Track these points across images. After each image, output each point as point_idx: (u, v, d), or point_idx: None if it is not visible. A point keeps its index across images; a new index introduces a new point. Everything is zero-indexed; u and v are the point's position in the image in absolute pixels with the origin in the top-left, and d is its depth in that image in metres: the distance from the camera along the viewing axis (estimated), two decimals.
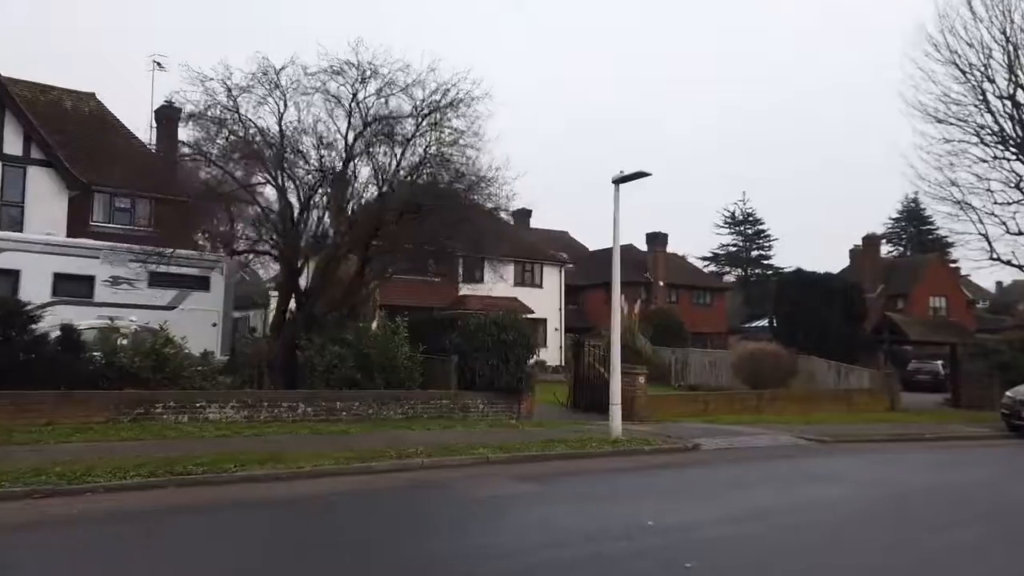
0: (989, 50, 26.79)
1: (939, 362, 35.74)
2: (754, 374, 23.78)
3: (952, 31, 27.35)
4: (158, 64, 27.32)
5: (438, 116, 15.21)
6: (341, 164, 15.38)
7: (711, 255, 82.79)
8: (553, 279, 38.84)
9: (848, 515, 7.89)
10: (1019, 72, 26.86)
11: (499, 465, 10.01)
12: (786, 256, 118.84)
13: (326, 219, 16.42)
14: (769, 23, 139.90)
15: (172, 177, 16.83)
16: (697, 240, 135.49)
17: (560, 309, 38.96)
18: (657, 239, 47.82)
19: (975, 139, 27.29)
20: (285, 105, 14.71)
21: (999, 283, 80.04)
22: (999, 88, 27.13)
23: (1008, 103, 27.25)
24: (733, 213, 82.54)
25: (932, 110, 27.82)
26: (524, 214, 44.24)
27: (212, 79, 14.24)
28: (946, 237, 45.19)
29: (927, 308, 49.04)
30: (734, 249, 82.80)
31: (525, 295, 36.91)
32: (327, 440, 10.90)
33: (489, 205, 16.88)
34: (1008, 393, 18.75)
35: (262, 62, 14.52)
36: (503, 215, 19.45)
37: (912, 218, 77.80)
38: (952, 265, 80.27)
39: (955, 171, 28.99)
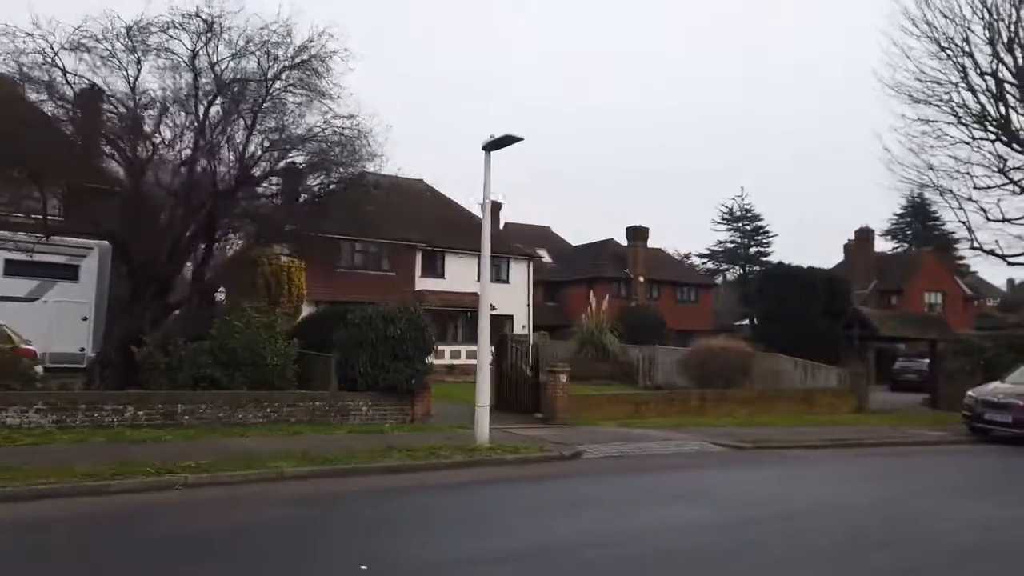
0: (967, 22, 24.84)
1: (927, 360, 33.76)
2: (703, 373, 22.02)
3: (929, 2, 25.40)
4: None
5: (293, 74, 13.64)
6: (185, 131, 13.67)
7: (709, 252, 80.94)
8: (521, 274, 37.19)
9: (670, 549, 6.24)
10: (1000, 47, 24.90)
11: (294, 481, 8.43)
12: (786, 252, 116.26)
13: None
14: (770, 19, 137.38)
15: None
16: (698, 237, 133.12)
17: (528, 305, 37.30)
18: (637, 233, 46.03)
19: (954, 119, 25.35)
20: (131, 67, 13.03)
21: (1011, 280, 77.46)
22: (980, 65, 25.18)
23: (990, 80, 25.27)
24: (731, 209, 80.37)
25: (907, 88, 25.89)
26: (493, 207, 42.64)
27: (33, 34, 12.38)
28: (952, 232, 42.98)
29: (922, 304, 46.97)
30: (732, 245, 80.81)
31: (492, 290, 35.18)
32: (115, 450, 9.37)
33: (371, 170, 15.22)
34: (970, 392, 16.92)
35: (108, 12, 12.81)
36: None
37: (917, 213, 75.36)
38: (960, 262, 77.61)
39: (934, 154, 27.10)
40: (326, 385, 14.27)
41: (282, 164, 15.15)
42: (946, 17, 25.23)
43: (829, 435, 15.21)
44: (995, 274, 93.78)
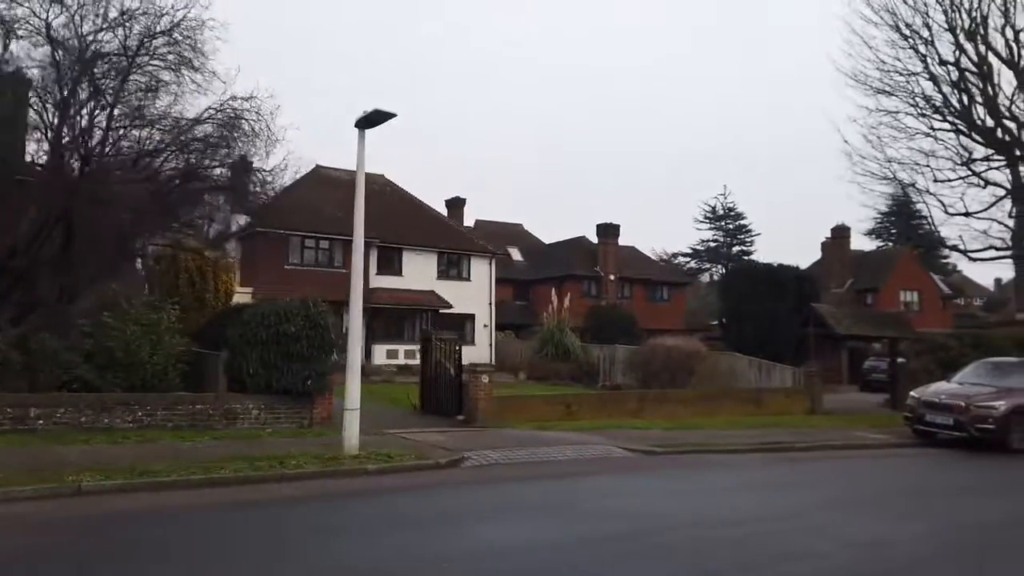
0: (928, 8, 23.97)
1: (899, 360, 32.91)
2: (647, 373, 21.08)
3: None
4: None
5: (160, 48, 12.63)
6: None
7: (692, 251, 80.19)
8: (482, 271, 36.20)
9: None
10: (962, 35, 24.03)
11: (91, 497, 7.46)
12: (769, 251, 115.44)
13: None
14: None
15: None
16: (682, 236, 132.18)
17: (490, 304, 36.33)
18: (608, 230, 45.10)
19: (915, 110, 24.47)
20: None
21: (998, 280, 76.88)
22: (941, 54, 24.30)
23: (952, 69, 24.40)
24: (714, 208, 79.91)
25: (867, 78, 24.98)
26: (457, 203, 41.74)
27: None
28: (937, 231, 41.82)
29: (898, 303, 46.15)
30: (715, 244, 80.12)
31: (450, 288, 34.32)
32: None
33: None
34: (913, 393, 16.03)
35: None
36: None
37: (902, 212, 74.70)
38: (944, 261, 76.74)
39: (894, 146, 26.26)
40: (215, 387, 13.29)
41: (159, 147, 14.07)
42: (907, 4, 24.41)
43: (761, 438, 14.28)
44: (984, 274, 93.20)
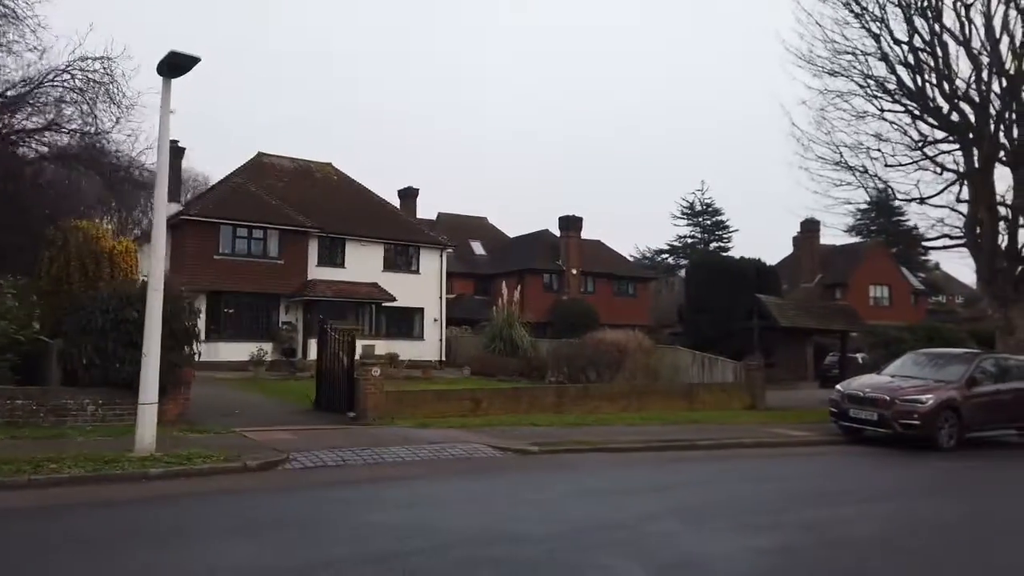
0: None
1: (860, 355, 31.82)
2: (573, 367, 19.79)
3: None
4: None
5: None
6: None
7: (668, 247, 79.04)
8: (432, 264, 34.85)
9: None
10: (915, 13, 22.78)
11: None
12: (746, 247, 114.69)
13: None
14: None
15: None
16: (660, 232, 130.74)
17: (441, 297, 34.99)
18: (570, 223, 43.85)
19: (866, 92, 23.19)
20: None
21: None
22: (893, 32, 23.00)
23: (905, 49, 23.12)
24: (692, 203, 78.72)
25: (818, 59, 23.67)
26: (410, 193, 40.39)
27: None
28: (914, 228, 40.59)
29: (867, 297, 45.15)
30: (692, 240, 79.01)
31: (396, 281, 32.95)
32: None
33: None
34: (837, 386, 14.80)
35: None
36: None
37: (882, 209, 73.76)
38: (922, 257, 75.72)
39: (849, 131, 25.04)
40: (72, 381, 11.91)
41: None
42: None
43: (666, 435, 13.00)
44: (966, 270, 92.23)
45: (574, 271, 43.45)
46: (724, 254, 55.46)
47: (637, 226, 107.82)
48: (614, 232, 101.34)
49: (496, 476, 9.07)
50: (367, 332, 31.57)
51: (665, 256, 78.47)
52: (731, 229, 77.98)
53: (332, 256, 32.25)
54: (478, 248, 47.82)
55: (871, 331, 23.85)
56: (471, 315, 40.31)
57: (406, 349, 32.61)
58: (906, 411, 13.04)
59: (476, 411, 16.02)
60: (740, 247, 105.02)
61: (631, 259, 76.99)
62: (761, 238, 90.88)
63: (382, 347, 30.95)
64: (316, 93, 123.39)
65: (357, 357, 14.88)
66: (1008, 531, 7.32)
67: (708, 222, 78.96)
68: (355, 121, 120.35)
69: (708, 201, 78.86)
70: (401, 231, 34.63)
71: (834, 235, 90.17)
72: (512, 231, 51.14)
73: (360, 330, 16.39)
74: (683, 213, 79.26)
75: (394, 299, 31.83)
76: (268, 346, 28.26)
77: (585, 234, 45.01)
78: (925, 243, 23.22)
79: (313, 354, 29.83)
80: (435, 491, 7.94)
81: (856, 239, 67.94)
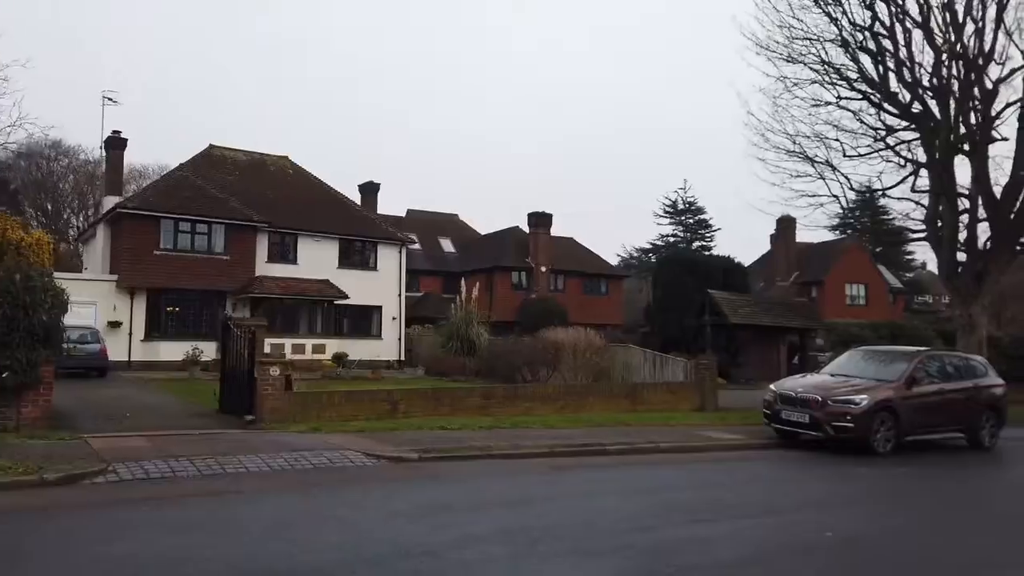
0: None
1: (828, 354, 30.93)
2: (510, 367, 18.73)
3: None
4: None
5: None
6: None
7: (651, 245, 78.14)
8: (391, 261, 33.76)
9: None
10: None
11: None
12: (730, 246, 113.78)
13: None
14: None
15: None
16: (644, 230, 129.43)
17: (400, 295, 33.89)
18: (539, 220, 42.80)
19: (825, 79, 22.20)
20: None
21: None
22: (854, 18, 22.01)
23: (867, 36, 22.13)
24: (675, 202, 77.86)
25: (775, 46, 22.65)
26: (370, 188, 39.28)
27: None
28: (901, 226, 39.45)
29: (843, 296, 44.28)
30: (674, 239, 78.13)
31: (352, 278, 31.86)
32: None
33: None
34: (771, 386, 13.79)
35: None
36: None
37: (866, 207, 72.97)
38: (907, 257, 74.80)
39: (809, 120, 24.16)
40: None
41: None
42: None
43: (577, 439, 11.97)
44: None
45: (543, 269, 42.42)
46: (695, 252, 54.56)
47: (626, 225, 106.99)
48: (602, 231, 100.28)
49: (339, 489, 8.02)
50: (318, 331, 30.56)
51: (649, 255, 77.58)
52: (714, 228, 77.09)
53: (283, 252, 31.14)
54: (447, 245, 46.78)
55: (832, 328, 22.85)
56: (439, 314, 39.15)
57: (362, 349, 31.54)
58: (838, 412, 12.03)
59: (394, 414, 14.97)
60: (723, 246, 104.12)
61: (618, 258, 76.12)
62: (745, 237, 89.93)
63: (334, 346, 29.98)
64: (290, 88, 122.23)
65: (294, 357, 13.83)
66: (928, 556, 6.28)
67: (691, 221, 78.09)
68: (327, 117, 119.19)
69: (691, 200, 77.96)
70: (359, 227, 33.52)
71: (822, 234, 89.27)
72: (487, 229, 50.13)
73: (261, 325, 15.13)
74: (666, 212, 78.38)
75: (346, 296, 30.73)
76: (209, 345, 27.10)
77: (570, 232, 44.18)
78: (886, 238, 22.18)
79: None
80: (242, 511, 6.88)
81: (834, 237, 67.24)
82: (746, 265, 54.26)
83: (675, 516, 7.15)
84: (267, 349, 28.70)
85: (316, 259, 31.43)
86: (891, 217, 58.75)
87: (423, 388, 18.01)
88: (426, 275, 43.81)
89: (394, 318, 33.78)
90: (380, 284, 33.24)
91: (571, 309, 40.56)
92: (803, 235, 49.07)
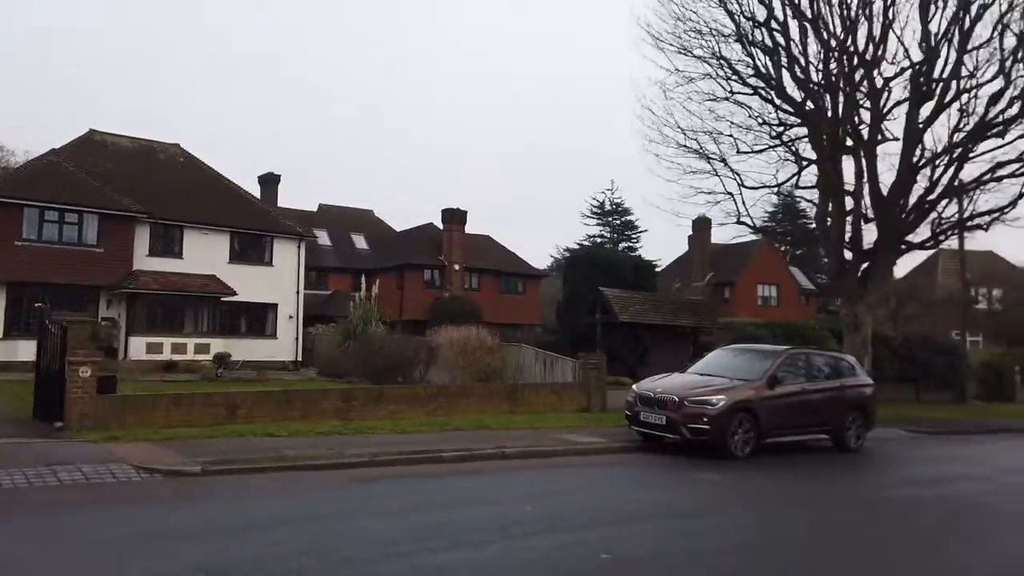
0: None
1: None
2: (373, 367, 17.57)
3: None
4: None
5: None
6: None
7: (578, 246, 77.98)
8: (288, 256, 32.08)
9: None
10: None
11: None
12: (655, 248, 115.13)
13: None
14: None
15: None
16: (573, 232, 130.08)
17: (298, 292, 32.23)
18: (453, 216, 41.73)
19: (721, 73, 21.77)
20: None
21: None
22: (755, 15, 21.62)
23: (764, 32, 21.79)
24: (602, 203, 77.94)
25: (673, 41, 22.11)
26: (270, 180, 37.50)
27: None
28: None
29: (755, 296, 44.62)
30: (601, 240, 78.19)
31: (245, 274, 30.08)
32: None
33: None
34: (634, 387, 13.01)
35: None
36: None
37: (787, 211, 74.36)
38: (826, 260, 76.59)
39: (706, 117, 23.70)
40: None
41: None
42: None
43: (418, 446, 10.90)
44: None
45: (456, 267, 41.33)
46: (610, 250, 54.44)
47: (560, 225, 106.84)
48: (536, 231, 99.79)
49: (61, 512, 6.73)
50: (204, 330, 28.72)
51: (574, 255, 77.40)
52: (640, 229, 77.53)
53: (167, 245, 29.16)
54: (360, 242, 45.22)
55: (727, 327, 22.46)
56: (346, 312, 37.72)
57: (255, 349, 29.85)
58: (695, 414, 11.31)
59: (232, 419, 13.59)
60: (649, 247, 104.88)
61: (551, 259, 75.50)
62: (672, 238, 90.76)
63: (219, 346, 28.15)
64: (207, 76, 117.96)
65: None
66: None
67: (617, 222, 78.30)
68: (242, 107, 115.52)
69: (618, 201, 78.09)
70: (254, 220, 31.73)
71: (747, 235, 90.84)
72: (408, 227, 48.68)
73: (83, 322, 13.64)
74: (593, 212, 78.40)
75: (235, 293, 28.97)
76: None
77: (503, 232, 43.18)
78: (791, 238, 21.88)
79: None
80: None
81: (755, 238, 68.27)
82: (665, 265, 54.75)
83: (442, 539, 6.13)
84: (144, 349, 27.11)
85: (204, 253, 29.54)
86: (810, 219, 59.95)
87: (292, 390, 16.66)
88: (336, 272, 42.22)
89: (291, 316, 32.12)
90: (276, 281, 31.55)
91: (486, 308, 39.63)
92: (727, 236, 49.49)
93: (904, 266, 48.30)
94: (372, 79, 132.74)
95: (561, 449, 11.77)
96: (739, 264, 44.87)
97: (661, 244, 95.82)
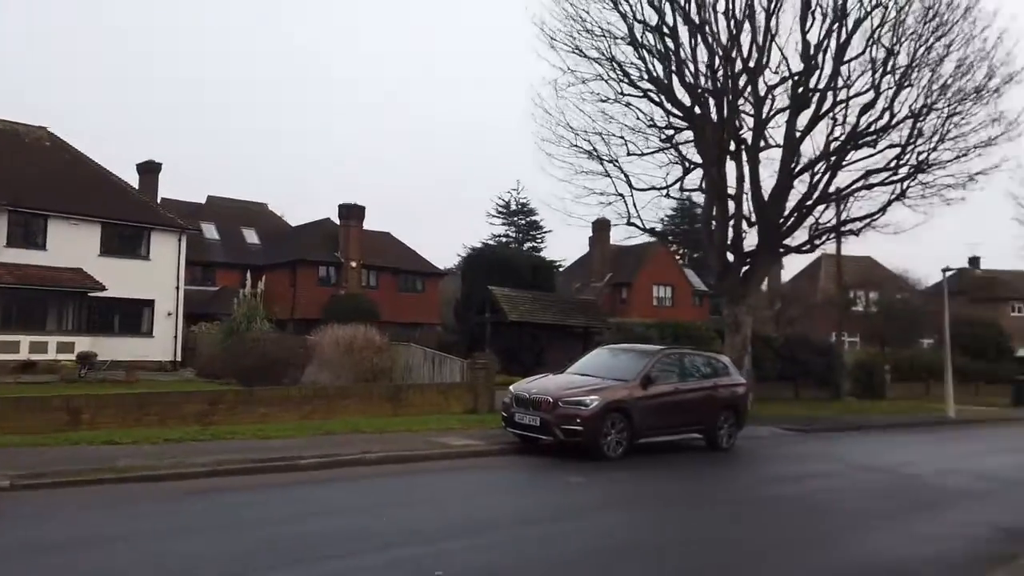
0: None
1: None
2: (242, 368, 16.61)
3: None
4: None
5: None
6: None
7: (482, 244, 77.71)
8: (167, 250, 30.13)
9: None
10: None
11: None
12: (561, 249, 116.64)
13: None
14: None
15: None
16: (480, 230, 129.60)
17: (177, 288, 30.32)
18: (351, 212, 40.49)
19: (611, 77, 21.82)
20: None
21: None
22: (647, 19, 21.76)
23: (656, 36, 21.99)
24: (508, 203, 77.96)
25: (567, 40, 21.97)
26: (151, 168, 35.26)
27: None
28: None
29: (650, 297, 45.58)
30: (506, 239, 78.24)
31: (120, 268, 28.00)
32: None
33: None
34: (511, 388, 12.70)
35: None
36: None
37: (685, 214, 76.49)
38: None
39: (599, 120, 23.76)
40: None
41: None
42: None
43: (273, 453, 10.18)
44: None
45: (353, 264, 40.15)
46: (510, 249, 54.51)
47: (468, 223, 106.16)
48: (443, 229, 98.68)
49: None
50: (68, 327, 26.58)
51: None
52: (544, 230, 77.98)
53: (28, 236, 26.80)
54: (252, 236, 43.25)
55: (619, 327, 22.60)
56: (231, 309, 35.85)
57: (129, 348, 27.84)
58: (568, 415, 11.10)
59: (76, 424, 12.41)
60: (554, 248, 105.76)
61: (458, 257, 74.74)
62: (579, 239, 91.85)
63: (85, 344, 26.07)
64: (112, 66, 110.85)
65: None
66: None
67: (523, 222, 78.42)
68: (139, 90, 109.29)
69: (524, 201, 78.28)
70: (128, 210, 29.62)
71: (644, 238, 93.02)
72: (303, 221, 46.95)
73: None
74: (499, 212, 78.30)
75: (104, 288, 26.91)
76: None
77: (413, 230, 42.15)
78: (671, 237, 22.21)
79: None
80: None
81: (649, 240, 69.98)
82: (568, 266, 55.29)
83: (271, 557, 5.54)
84: None
85: (72, 245, 27.33)
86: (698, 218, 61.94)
87: (147, 392, 15.43)
88: (224, 268, 40.17)
89: (169, 314, 30.20)
90: (153, 275, 29.58)
91: (384, 306, 38.68)
92: (624, 238, 50.30)
93: (790, 270, 50.69)
94: (285, 72, 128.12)
95: (434, 452, 11.30)
96: (635, 265, 45.75)
97: (568, 245, 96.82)
